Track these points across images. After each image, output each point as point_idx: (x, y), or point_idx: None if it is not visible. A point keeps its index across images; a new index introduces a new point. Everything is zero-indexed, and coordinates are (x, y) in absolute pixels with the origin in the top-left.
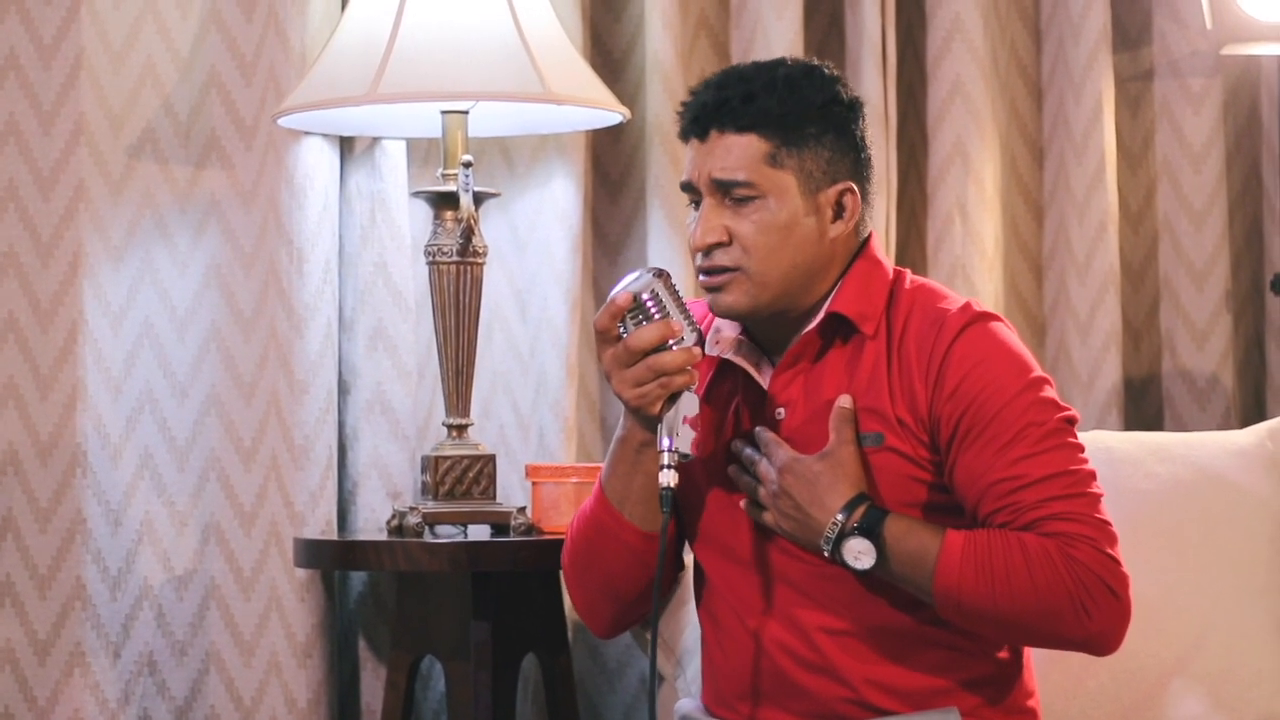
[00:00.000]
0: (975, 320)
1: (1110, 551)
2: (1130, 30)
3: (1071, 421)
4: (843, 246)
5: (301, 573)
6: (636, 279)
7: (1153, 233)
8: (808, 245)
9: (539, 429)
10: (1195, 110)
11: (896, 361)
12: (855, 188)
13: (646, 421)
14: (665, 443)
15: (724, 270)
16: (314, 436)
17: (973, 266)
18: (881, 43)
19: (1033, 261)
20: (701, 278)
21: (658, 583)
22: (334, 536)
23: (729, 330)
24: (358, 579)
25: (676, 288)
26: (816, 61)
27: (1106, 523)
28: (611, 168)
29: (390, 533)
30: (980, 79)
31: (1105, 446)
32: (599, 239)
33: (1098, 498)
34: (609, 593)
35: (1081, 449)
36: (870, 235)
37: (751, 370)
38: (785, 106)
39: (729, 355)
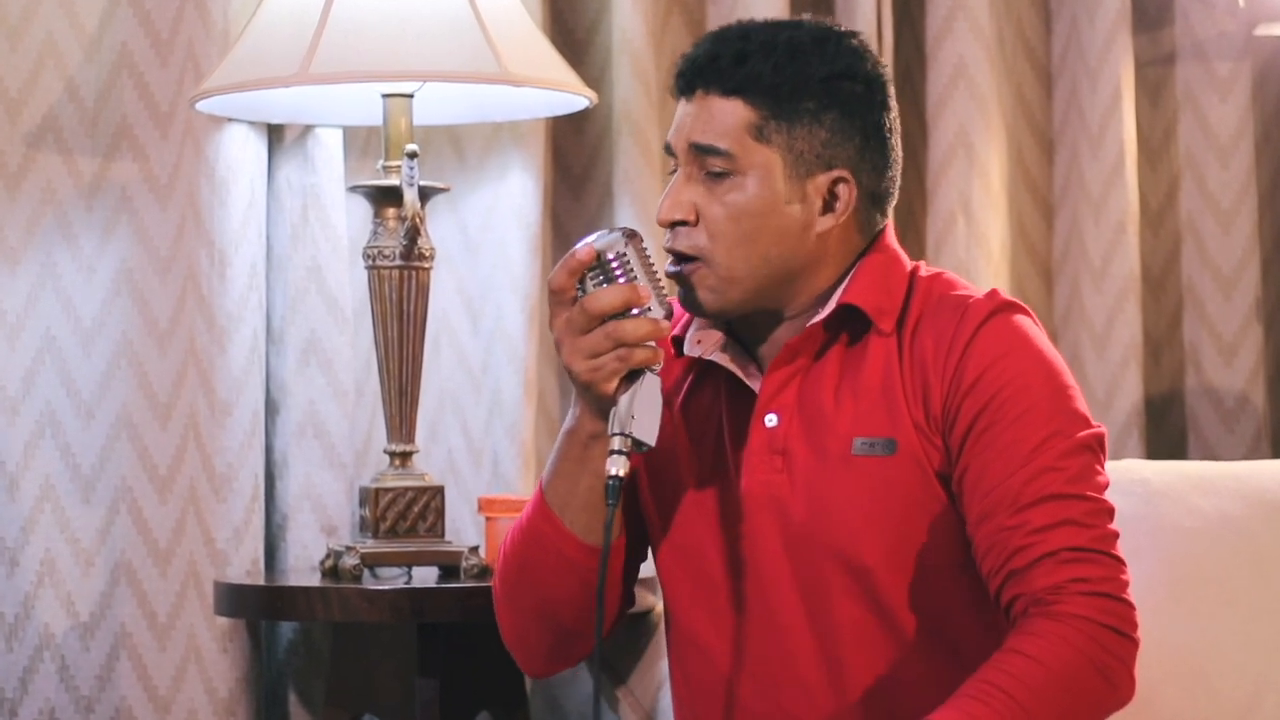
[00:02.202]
0: (1003, 309)
1: (1127, 597)
2: (1150, 9)
3: (1100, 441)
4: (836, 243)
5: (224, 619)
6: (601, 236)
7: (1175, 235)
8: (786, 238)
9: (493, 455)
10: (1222, 98)
11: (909, 356)
12: (850, 177)
13: (598, 404)
14: (617, 427)
15: (686, 259)
16: (238, 464)
17: (978, 271)
18: (877, 20)
19: (1042, 266)
20: (668, 268)
21: (600, 590)
22: (261, 577)
23: (712, 329)
24: (288, 626)
25: (650, 254)
26: (844, 29)
27: (1122, 561)
28: (574, 160)
29: (324, 574)
30: (986, 61)
31: (1141, 478)
32: (560, 240)
33: (1115, 535)
34: (544, 617)
35: (1104, 475)
36: (885, 229)
37: (737, 371)
38: (780, 74)
39: (712, 355)
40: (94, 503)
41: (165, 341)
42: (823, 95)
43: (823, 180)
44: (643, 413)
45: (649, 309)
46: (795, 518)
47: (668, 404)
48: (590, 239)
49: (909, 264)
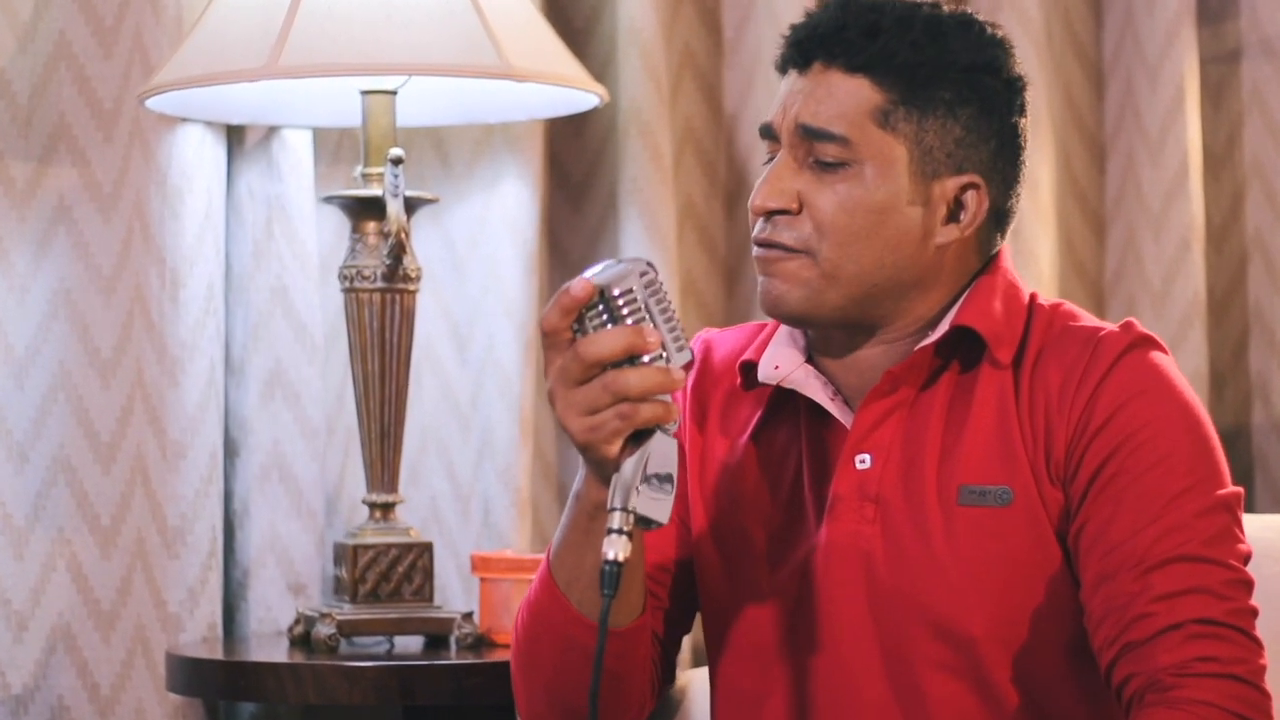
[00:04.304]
0: (1140, 344)
1: (1263, 684)
2: (1209, 0)
3: (1240, 502)
4: (954, 259)
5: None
6: (607, 268)
7: (1240, 252)
8: (905, 243)
9: (483, 503)
10: None
11: (1030, 393)
12: (982, 185)
13: (599, 468)
14: (617, 500)
15: (783, 249)
16: (193, 514)
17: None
18: None
19: (1093, 288)
20: (755, 251)
21: (594, 694)
22: (219, 646)
23: (791, 355)
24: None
25: (665, 291)
26: (985, 20)
27: (1260, 643)
28: (573, 167)
29: (293, 643)
30: (1035, 57)
31: None
32: (556, 259)
33: (1254, 612)
34: (555, 703)
35: (1245, 541)
36: (1001, 252)
37: (824, 401)
38: (919, 54)
39: (792, 383)
40: (27, 558)
41: (109, 373)
42: (962, 86)
43: (951, 185)
44: (652, 483)
45: (660, 356)
46: (885, 576)
47: (729, 436)
48: (592, 271)
49: (1026, 291)
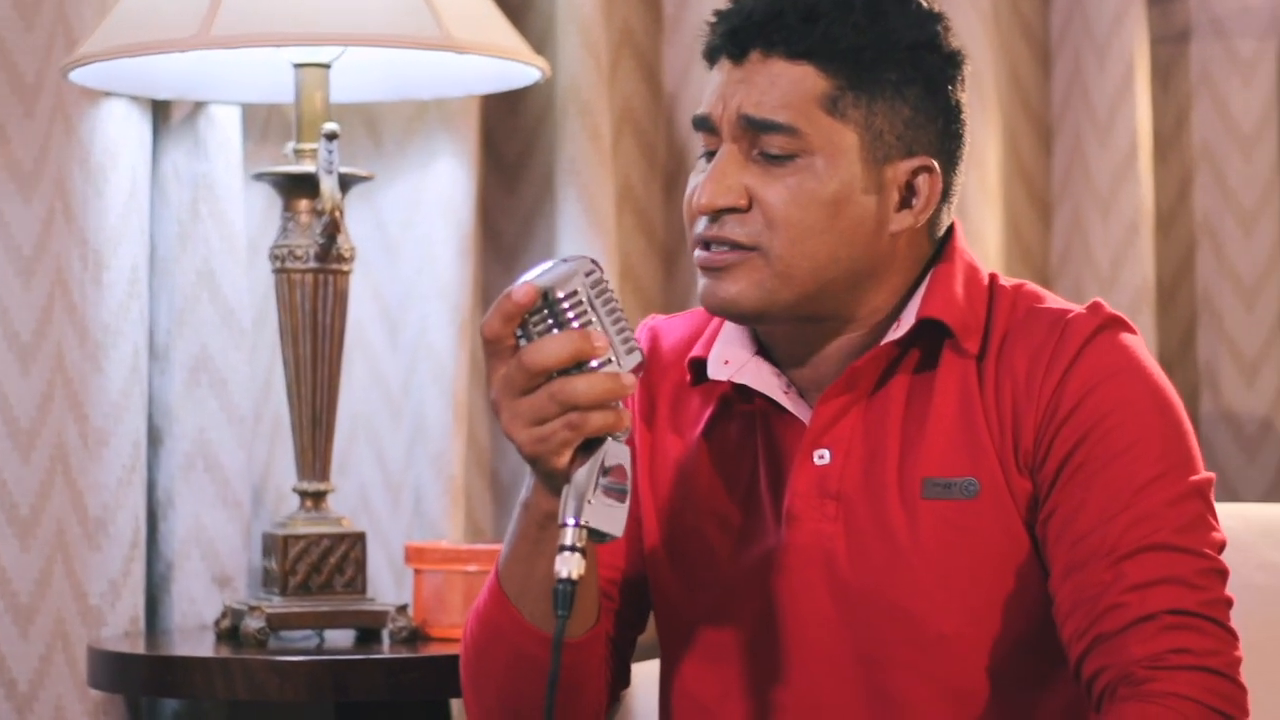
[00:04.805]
0: (1109, 325)
1: (1238, 676)
2: None
3: (1211, 489)
4: (907, 245)
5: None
6: (549, 269)
7: (1188, 238)
8: (860, 234)
9: (415, 491)
10: (1244, 81)
11: (994, 380)
12: (936, 167)
13: (549, 480)
14: (570, 514)
15: (733, 247)
16: (115, 504)
17: None
18: None
19: (1038, 272)
20: (698, 254)
21: (549, 714)
22: (142, 640)
23: (741, 347)
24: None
25: (611, 290)
26: None
27: (1235, 634)
28: (507, 147)
29: (219, 637)
30: (983, 34)
31: None
32: (490, 242)
33: (1228, 602)
34: (508, 713)
35: (1219, 529)
36: (953, 230)
37: (780, 397)
38: (862, 36)
39: (744, 378)
40: None
41: (28, 359)
42: (906, 66)
43: (903, 168)
44: (603, 495)
45: (609, 360)
46: (850, 575)
47: (680, 433)
48: (534, 273)
49: (985, 272)
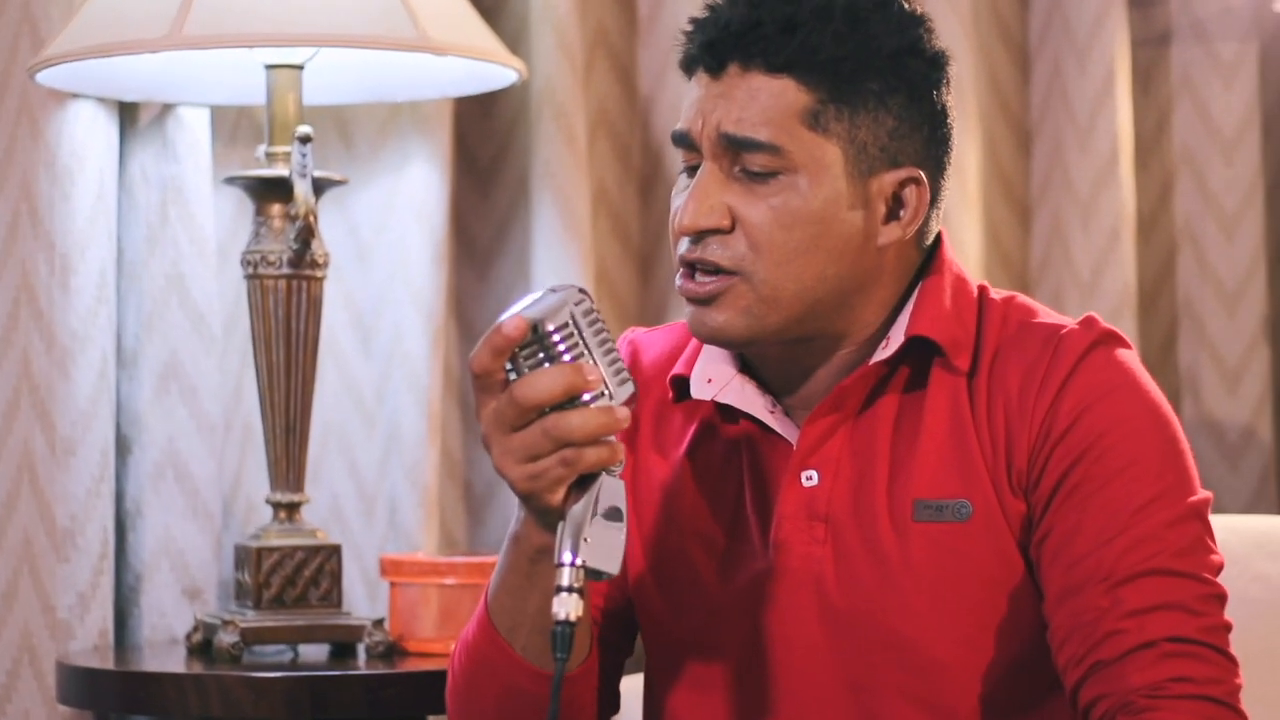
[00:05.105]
0: (1105, 341)
1: (1239, 705)
2: None
3: (1208, 509)
4: (895, 259)
5: (68, 708)
6: (539, 300)
7: (1169, 243)
8: (847, 251)
9: (389, 502)
10: (1226, 84)
11: (986, 398)
12: (923, 177)
13: (542, 516)
14: (566, 553)
15: (716, 271)
16: (84, 515)
17: None
18: None
19: (1017, 278)
20: (680, 281)
21: None
22: (111, 655)
23: (725, 364)
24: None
25: (600, 318)
26: None
27: (1235, 661)
28: (480, 150)
29: (191, 650)
30: (961, 37)
31: None
32: (463, 247)
33: (1227, 628)
34: None
35: (1217, 552)
36: (940, 240)
37: (765, 417)
38: (843, 45)
39: (728, 398)
40: None
41: None
42: (889, 75)
43: (888, 180)
44: (600, 532)
45: (602, 394)
46: (839, 600)
47: (663, 452)
48: (522, 304)
49: (974, 285)
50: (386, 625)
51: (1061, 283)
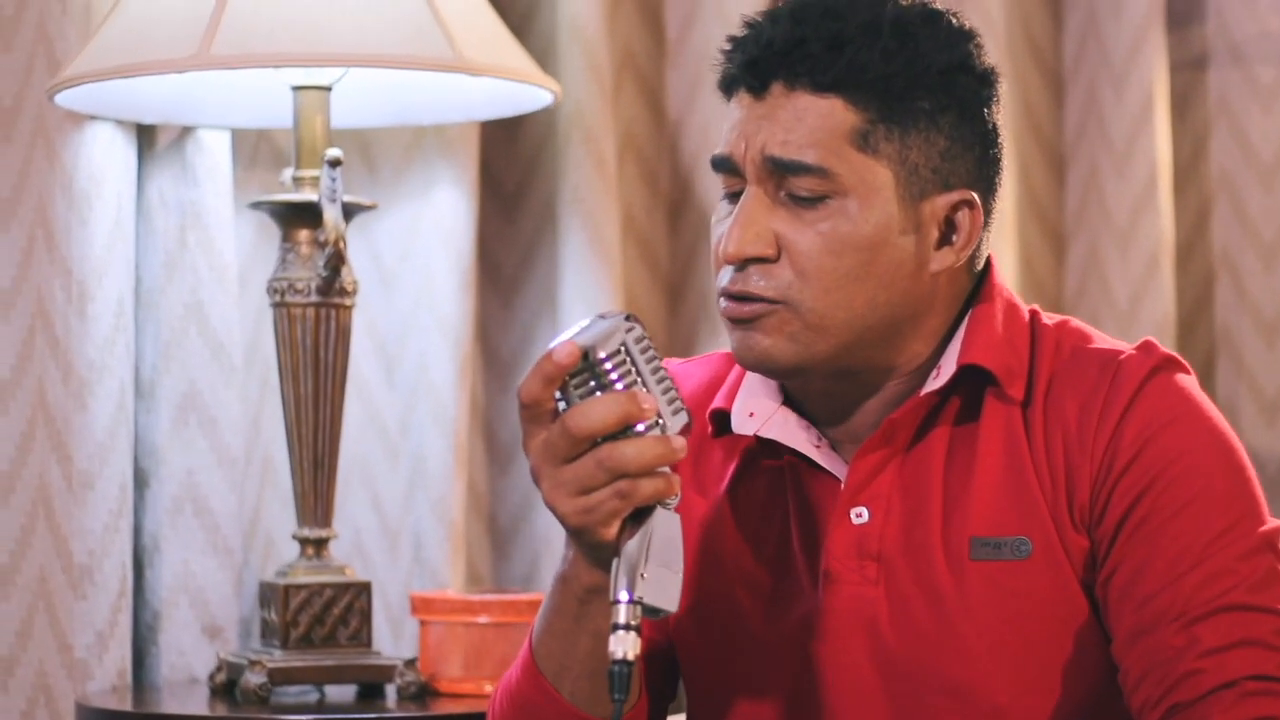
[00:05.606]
0: (1165, 366)
1: None
2: (1176, 4)
3: (1278, 535)
4: (947, 286)
5: None
6: (588, 327)
7: (1206, 272)
8: (900, 277)
9: (414, 537)
10: (1264, 109)
11: (1043, 429)
12: (976, 200)
13: (594, 552)
14: (623, 590)
15: (759, 299)
16: (101, 550)
17: None
18: None
19: (1051, 306)
20: (724, 304)
21: None
22: (129, 696)
23: (767, 398)
24: None
25: (650, 345)
26: (946, 10)
27: None
28: (505, 174)
29: (214, 691)
30: (997, 61)
31: None
32: (487, 275)
33: None
34: None
35: None
36: (990, 265)
37: (811, 452)
38: (891, 63)
39: (772, 433)
40: None
41: (7, 396)
42: (939, 92)
43: (941, 203)
44: (658, 568)
45: (657, 423)
46: (894, 643)
47: (703, 490)
48: (572, 331)
49: (1026, 310)
50: (418, 664)
51: (1098, 312)
